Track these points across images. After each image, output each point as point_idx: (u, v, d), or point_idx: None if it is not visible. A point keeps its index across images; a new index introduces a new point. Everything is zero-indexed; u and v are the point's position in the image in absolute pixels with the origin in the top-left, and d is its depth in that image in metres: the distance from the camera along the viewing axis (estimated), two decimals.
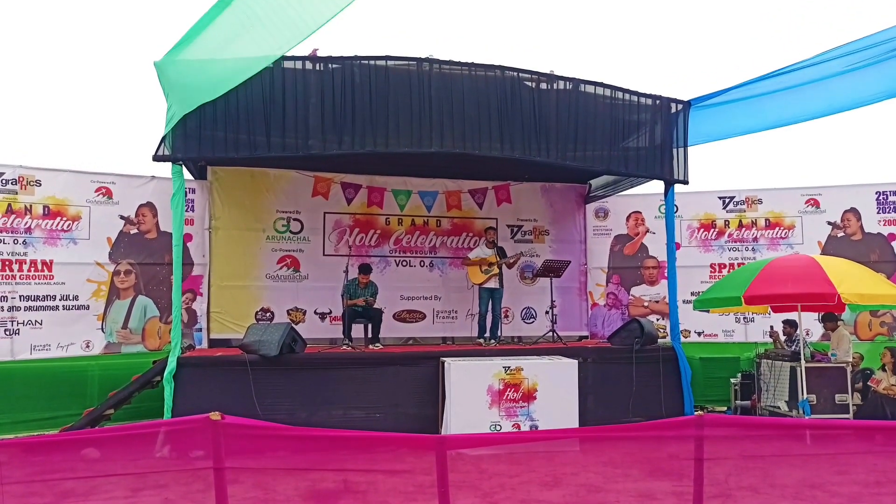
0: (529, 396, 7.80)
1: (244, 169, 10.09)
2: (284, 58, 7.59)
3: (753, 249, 11.32)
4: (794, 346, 8.76)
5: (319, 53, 7.85)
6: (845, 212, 11.12)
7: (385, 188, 10.92)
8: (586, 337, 11.50)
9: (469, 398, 7.70)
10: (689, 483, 4.19)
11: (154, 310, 9.73)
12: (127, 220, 9.65)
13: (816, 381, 8.02)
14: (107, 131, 19.19)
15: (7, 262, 8.77)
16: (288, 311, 10.28)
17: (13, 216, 8.87)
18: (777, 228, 11.33)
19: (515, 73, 8.37)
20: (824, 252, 10.72)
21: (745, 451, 4.91)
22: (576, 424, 7.70)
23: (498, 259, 9.66)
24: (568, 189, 11.75)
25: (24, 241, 8.90)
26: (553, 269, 10.03)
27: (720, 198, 11.56)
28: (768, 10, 22.91)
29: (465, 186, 11.23)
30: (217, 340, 9.82)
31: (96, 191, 9.45)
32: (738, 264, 10.98)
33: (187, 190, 8.65)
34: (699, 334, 11.19)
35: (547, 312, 10.68)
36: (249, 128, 7.63)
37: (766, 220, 11.37)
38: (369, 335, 9.19)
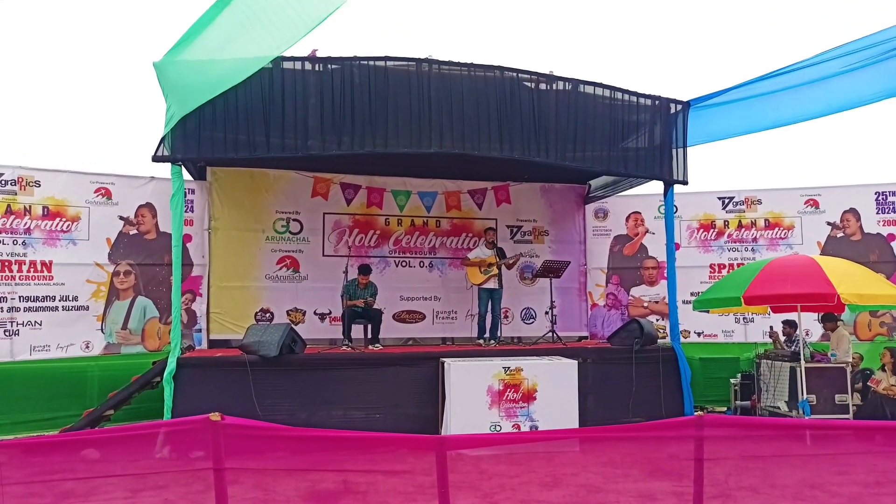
0: (529, 397, 7.80)
1: (243, 169, 10.09)
2: (284, 58, 7.60)
3: (753, 250, 11.33)
4: (793, 347, 8.76)
5: (319, 54, 7.85)
6: (845, 212, 11.12)
7: (384, 189, 10.92)
8: (586, 337, 11.50)
9: (469, 399, 7.70)
10: (689, 483, 4.19)
11: (154, 310, 9.73)
12: (126, 220, 9.65)
13: (816, 382, 8.02)
14: (106, 132, 19.21)
15: (6, 263, 8.77)
16: (287, 311, 10.28)
17: (12, 217, 8.86)
18: (776, 229, 11.34)
19: (515, 74, 8.37)
20: (824, 252, 10.72)
21: (745, 451, 4.91)
22: (576, 425, 7.69)
23: (497, 260, 9.67)
24: (567, 189, 11.75)
25: (24, 241, 8.89)
26: (553, 270, 10.03)
27: (720, 198, 11.57)
28: (768, 9, 22.93)
29: (465, 187, 11.24)
30: (217, 341, 9.82)
31: (96, 191, 9.45)
32: (738, 265, 10.98)
33: (187, 190, 8.65)
34: (699, 335, 11.20)
35: (546, 313, 10.68)
36: (249, 128, 7.63)
37: (765, 220, 11.38)
38: (369, 336, 9.19)
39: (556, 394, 7.84)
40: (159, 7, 22.04)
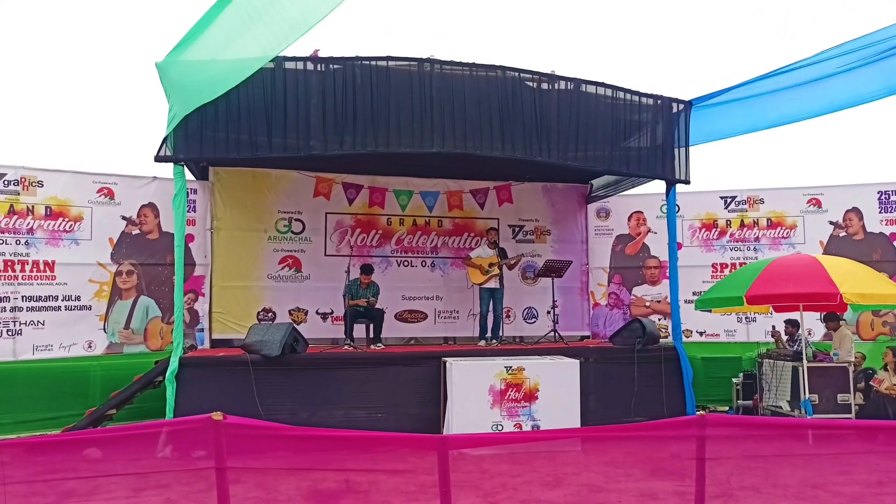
0: (531, 396, 7.80)
1: (246, 169, 10.10)
2: (285, 58, 7.61)
3: (755, 249, 11.31)
4: (796, 346, 8.75)
5: (321, 54, 7.86)
6: (847, 211, 11.10)
7: (386, 188, 10.93)
8: (588, 337, 11.49)
9: (471, 398, 7.70)
10: (690, 483, 4.19)
11: (156, 310, 9.74)
12: (129, 220, 9.66)
13: (818, 381, 8.01)
14: (109, 132, 19.23)
15: (9, 263, 8.79)
16: (290, 311, 10.28)
17: (15, 217, 8.88)
18: (779, 228, 11.32)
19: (517, 74, 8.37)
20: (826, 252, 10.70)
21: (747, 450, 4.91)
22: (577, 424, 7.69)
23: (499, 260, 9.67)
24: (569, 189, 11.75)
25: (27, 241, 8.91)
26: (555, 269, 10.03)
27: (722, 197, 11.55)
28: (768, 9, 22.90)
29: (467, 186, 11.23)
30: (219, 341, 9.83)
31: (98, 191, 9.46)
32: (740, 264, 10.96)
33: (189, 190, 8.67)
34: (701, 334, 11.19)
35: (548, 312, 10.68)
36: (251, 128, 7.64)
37: (767, 219, 11.36)
38: (371, 335, 9.19)
39: (558, 393, 7.84)
40: (161, 7, 22.06)
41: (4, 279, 8.73)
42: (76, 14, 20.45)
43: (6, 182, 8.87)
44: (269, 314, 10.17)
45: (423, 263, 11.03)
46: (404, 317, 10.80)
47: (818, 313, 9.82)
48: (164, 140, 7.55)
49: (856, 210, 11.07)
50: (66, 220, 9.20)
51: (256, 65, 7.29)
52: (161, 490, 5.37)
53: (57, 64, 19.55)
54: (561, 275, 10.16)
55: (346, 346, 8.88)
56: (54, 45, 19.71)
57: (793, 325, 9.31)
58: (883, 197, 11.01)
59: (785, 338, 9.40)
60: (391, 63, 7.93)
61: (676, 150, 9.20)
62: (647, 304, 11.55)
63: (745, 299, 7.86)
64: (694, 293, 10.49)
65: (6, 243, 8.80)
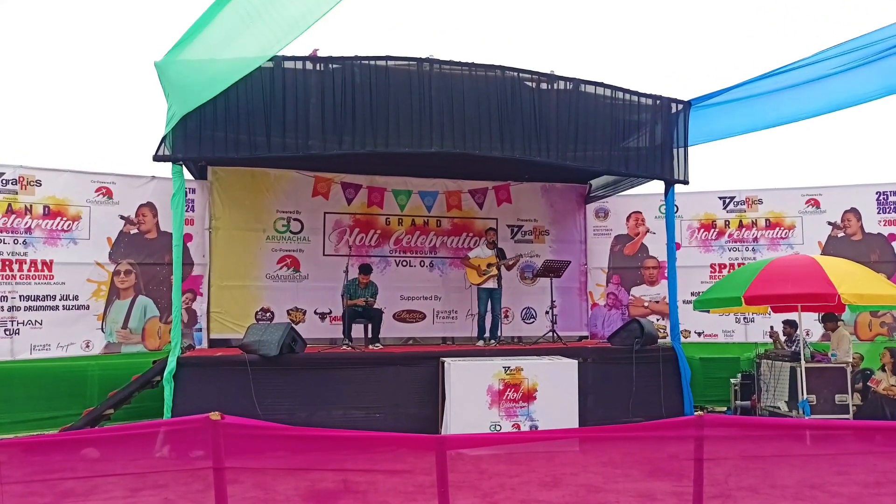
0: (529, 396, 7.80)
1: (244, 169, 10.09)
2: (284, 58, 7.60)
3: (754, 250, 11.32)
4: (794, 347, 8.76)
5: (320, 53, 7.85)
6: (845, 212, 11.12)
7: (385, 188, 10.93)
8: (586, 337, 11.50)
9: (469, 398, 7.70)
10: (688, 483, 4.18)
11: (154, 310, 9.74)
12: (127, 220, 9.65)
13: (816, 382, 8.01)
14: (107, 131, 19.23)
15: (7, 262, 8.78)
16: (288, 311, 10.28)
17: (13, 216, 8.87)
18: (777, 228, 11.33)
19: (516, 74, 8.37)
20: (824, 252, 10.72)
21: (745, 451, 4.91)
22: (576, 424, 7.69)
23: (497, 260, 9.67)
24: (568, 189, 11.75)
25: (25, 241, 8.90)
26: (553, 270, 10.03)
27: (720, 198, 11.56)
28: (768, 9, 22.92)
29: (466, 186, 11.23)
30: (217, 340, 9.82)
31: (96, 191, 9.45)
32: (739, 264, 10.98)
33: (187, 190, 8.65)
34: (699, 334, 11.19)
35: (547, 312, 10.67)
36: (249, 128, 7.63)
37: (766, 220, 11.37)
38: (369, 335, 9.19)
39: (557, 393, 7.84)
40: (160, 7, 22.05)
41: (2, 278, 8.73)
42: (75, 14, 20.44)
43: (4, 181, 8.85)
44: (268, 314, 10.17)
45: (422, 263, 11.03)
46: (403, 317, 10.80)
47: (816, 314, 9.83)
48: (163, 139, 7.54)
49: (854, 211, 11.08)
50: (65, 219, 9.20)
51: (255, 63, 7.29)
52: (159, 490, 5.36)
53: (56, 63, 19.55)
54: (559, 275, 10.16)
55: (344, 346, 8.88)
56: (53, 44, 19.70)
57: (791, 325, 9.32)
58: (881, 197, 11.02)
59: (783, 338, 9.41)
60: (390, 63, 7.93)
61: (675, 151, 9.20)
62: (646, 304, 11.56)
63: (743, 300, 7.86)
64: (692, 293, 10.50)
65: (4, 242, 8.79)
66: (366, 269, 9.27)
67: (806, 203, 11.26)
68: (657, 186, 9.77)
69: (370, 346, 8.99)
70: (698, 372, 10.10)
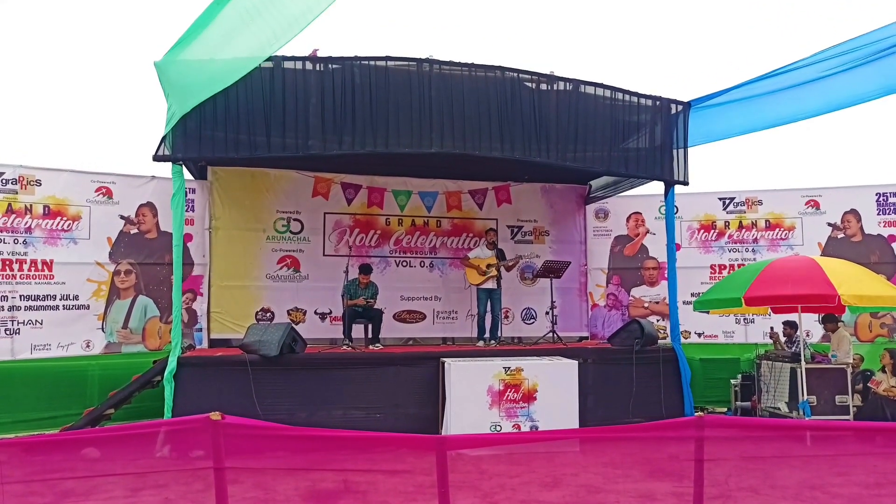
0: (530, 397, 7.80)
1: (244, 169, 10.09)
2: (284, 58, 7.61)
3: (753, 251, 11.32)
4: (794, 348, 8.76)
5: (320, 54, 7.86)
6: (845, 213, 11.12)
7: (385, 188, 10.93)
8: (586, 338, 11.50)
9: (469, 398, 7.70)
10: (689, 484, 4.19)
11: (154, 310, 9.74)
12: (127, 219, 9.65)
13: (817, 383, 8.01)
14: (107, 131, 19.23)
15: (7, 262, 8.78)
16: (288, 311, 10.28)
17: (13, 216, 8.87)
18: (777, 229, 11.34)
19: (515, 74, 8.37)
20: (824, 253, 10.72)
21: (746, 452, 4.92)
22: (576, 425, 7.69)
23: (497, 261, 9.67)
24: (568, 190, 11.75)
25: (25, 240, 8.90)
26: (553, 270, 10.03)
27: (720, 199, 11.57)
28: (767, 9, 22.93)
29: (466, 187, 11.23)
30: (217, 340, 9.82)
31: (96, 191, 9.45)
32: (739, 265, 10.98)
33: (187, 190, 8.65)
34: (699, 335, 11.19)
35: (547, 313, 10.67)
36: (249, 128, 7.63)
37: (766, 221, 11.38)
38: (369, 335, 9.19)
39: (557, 394, 7.84)
40: (160, 7, 22.05)
41: (2, 278, 8.72)
42: (75, 13, 20.44)
43: (4, 181, 8.85)
44: (268, 314, 10.17)
45: (422, 264, 11.03)
46: (403, 317, 10.80)
47: (816, 315, 9.83)
48: (163, 139, 7.54)
49: (854, 212, 11.08)
50: (65, 219, 9.19)
51: (255, 63, 7.29)
52: (159, 490, 5.36)
53: (56, 63, 19.55)
54: (559, 275, 10.16)
55: (344, 347, 8.88)
56: (53, 44, 19.70)
57: (791, 326, 9.32)
58: (881, 199, 11.03)
59: (783, 339, 9.41)
60: (390, 63, 7.93)
61: (675, 152, 9.21)
62: (646, 304, 11.56)
63: (743, 300, 7.86)
64: (692, 294, 10.50)
65: (4, 242, 8.79)
66: (366, 270, 9.27)
67: (806, 204, 11.27)
68: (657, 187, 9.77)
69: (370, 347, 8.99)
70: (698, 373, 10.10)
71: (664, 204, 9.57)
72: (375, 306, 9.24)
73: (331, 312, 10.31)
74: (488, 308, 9.70)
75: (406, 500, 4.87)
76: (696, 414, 4.42)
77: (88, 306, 9.29)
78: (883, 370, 8.41)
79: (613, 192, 11.23)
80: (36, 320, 8.89)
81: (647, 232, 11.69)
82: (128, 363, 9.02)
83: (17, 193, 8.90)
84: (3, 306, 8.70)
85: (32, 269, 8.93)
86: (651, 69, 22.65)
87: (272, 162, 9.56)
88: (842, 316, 9.26)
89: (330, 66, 7.80)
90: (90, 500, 5.05)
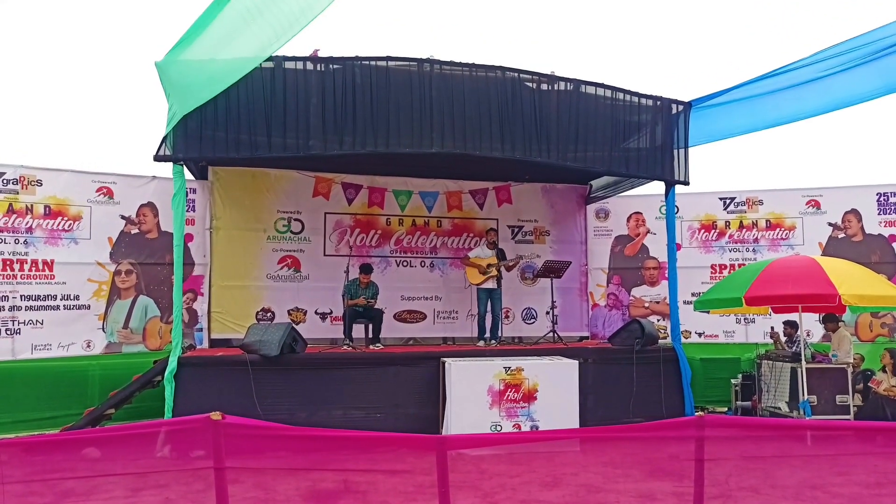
0: (530, 397, 7.80)
1: (245, 169, 10.09)
2: (285, 58, 7.61)
3: (754, 250, 11.32)
4: (794, 347, 8.76)
5: (320, 54, 7.86)
6: (846, 213, 11.12)
7: (386, 188, 10.93)
8: (587, 337, 11.50)
9: (469, 398, 7.70)
10: (689, 484, 4.19)
11: (155, 310, 9.74)
12: (128, 219, 9.66)
13: (817, 382, 8.01)
14: (108, 131, 19.25)
15: (8, 262, 8.78)
16: (289, 311, 10.28)
17: (14, 216, 8.88)
18: (778, 229, 11.33)
19: (516, 74, 8.37)
20: (825, 253, 10.72)
21: (746, 451, 4.92)
22: (576, 425, 7.69)
23: (497, 261, 9.67)
24: (569, 190, 11.75)
25: (26, 240, 8.91)
26: (554, 270, 10.03)
27: (721, 199, 11.56)
28: (767, 9, 22.92)
29: (466, 187, 11.23)
30: (218, 340, 9.82)
31: (97, 191, 9.46)
32: (739, 265, 10.98)
33: (188, 190, 8.66)
34: (700, 335, 11.19)
35: (547, 313, 10.68)
36: (250, 128, 7.63)
37: (766, 220, 11.37)
38: (370, 335, 9.19)
39: (557, 394, 7.84)
40: (160, 7, 22.05)
41: (3, 278, 8.73)
42: (76, 13, 20.45)
43: (5, 181, 8.86)
44: (268, 314, 10.17)
45: (423, 264, 11.03)
46: (403, 317, 10.80)
47: (817, 315, 9.83)
48: (164, 139, 7.55)
49: (854, 211, 11.08)
50: (65, 219, 9.20)
51: (256, 62, 7.29)
52: (159, 490, 5.36)
53: (56, 63, 19.56)
54: (560, 275, 10.16)
55: (345, 347, 8.88)
56: (54, 44, 19.71)
57: (792, 326, 9.32)
58: (882, 198, 11.02)
59: (784, 339, 9.41)
60: (391, 63, 7.93)
61: (676, 151, 9.20)
62: (646, 304, 11.56)
63: (744, 300, 7.86)
64: (693, 294, 10.50)
65: (5, 242, 8.79)
66: (366, 269, 9.27)
67: (806, 204, 11.26)
68: (658, 187, 9.77)
69: (371, 347, 8.99)
70: (699, 372, 10.10)
71: (665, 204, 9.57)
72: (376, 306, 9.24)
73: (331, 312, 10.32)
74: (489, 308, 9.70)
75: (406, 500, 4.87)
76: (696, 414, 4.42)
77: (89, 306, 9.29)
78: (883, 370, 8.41)
79: (614, 192, 11.23)
80: (37, 320, 8.89)
81: (648, 232, 11.69)
82: (128, 363, 9.03)
83: (18, 193, 8.91)
84: (3, 306, 8.71)
85: (33, 269, 8.93)
86: (651, 69, 22.66)
87: (273, 162, 9.56)
88: (842, 316, 9.26)
89: (331, 66, 7.80)
90: (91, 500, 5.06)
